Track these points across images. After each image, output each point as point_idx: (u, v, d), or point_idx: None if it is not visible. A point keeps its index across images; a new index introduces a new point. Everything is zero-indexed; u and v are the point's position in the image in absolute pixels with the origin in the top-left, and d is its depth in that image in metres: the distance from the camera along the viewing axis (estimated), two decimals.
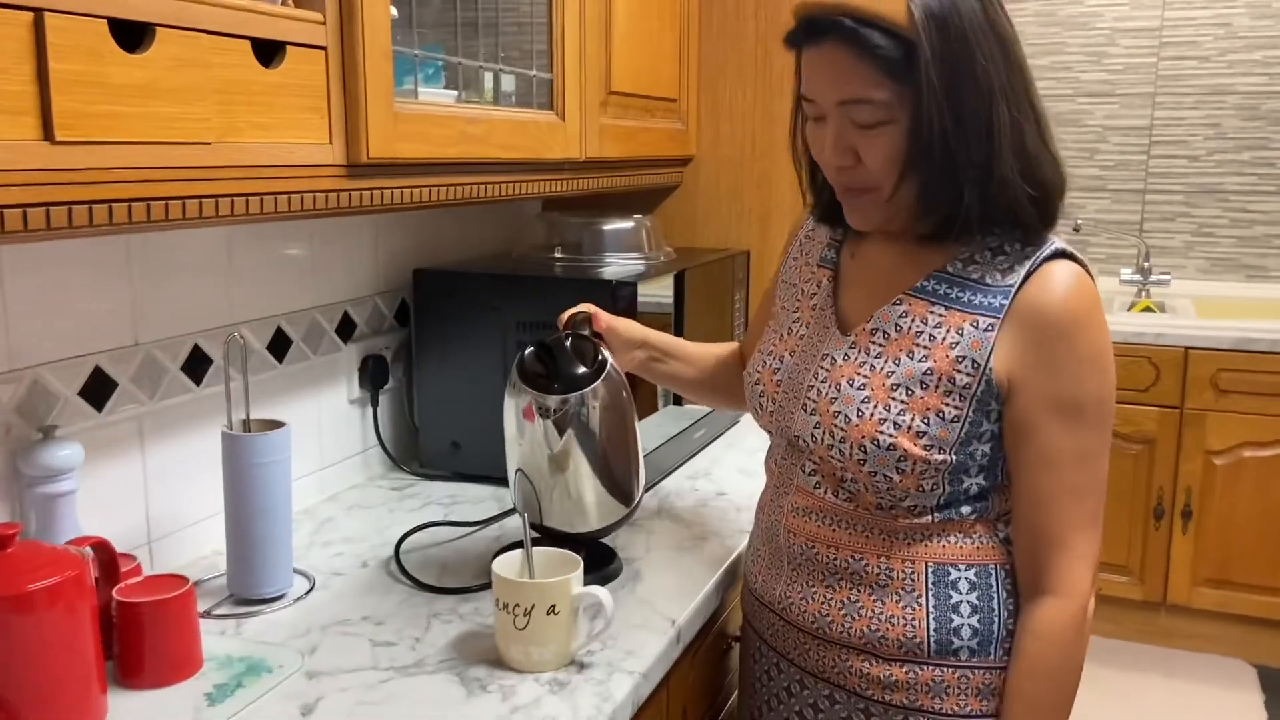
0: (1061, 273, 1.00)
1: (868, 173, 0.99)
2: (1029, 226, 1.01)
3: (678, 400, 1.74)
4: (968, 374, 1.00)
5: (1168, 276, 3.26)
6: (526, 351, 1.20)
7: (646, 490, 1.59)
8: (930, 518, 1.05)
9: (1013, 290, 1.00)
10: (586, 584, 1.13)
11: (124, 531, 1.23)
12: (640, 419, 1.56)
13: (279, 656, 1.08)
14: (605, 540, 1.38)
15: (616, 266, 1.67)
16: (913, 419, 1.01)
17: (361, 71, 1.06)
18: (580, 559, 1.08)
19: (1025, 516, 1.04)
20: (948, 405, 1.01)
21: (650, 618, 1.17)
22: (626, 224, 1.74)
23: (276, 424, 1.20)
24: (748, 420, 2.01)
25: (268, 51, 0.97)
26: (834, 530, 1.08)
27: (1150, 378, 2.87)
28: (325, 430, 1.56)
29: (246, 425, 1.21)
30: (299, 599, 1.22)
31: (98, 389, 1.19)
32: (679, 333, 1.69)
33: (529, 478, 1.21)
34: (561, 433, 1.17)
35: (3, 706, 0.87)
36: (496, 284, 1.59)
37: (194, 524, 1.33)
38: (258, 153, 0.96)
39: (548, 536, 1.23)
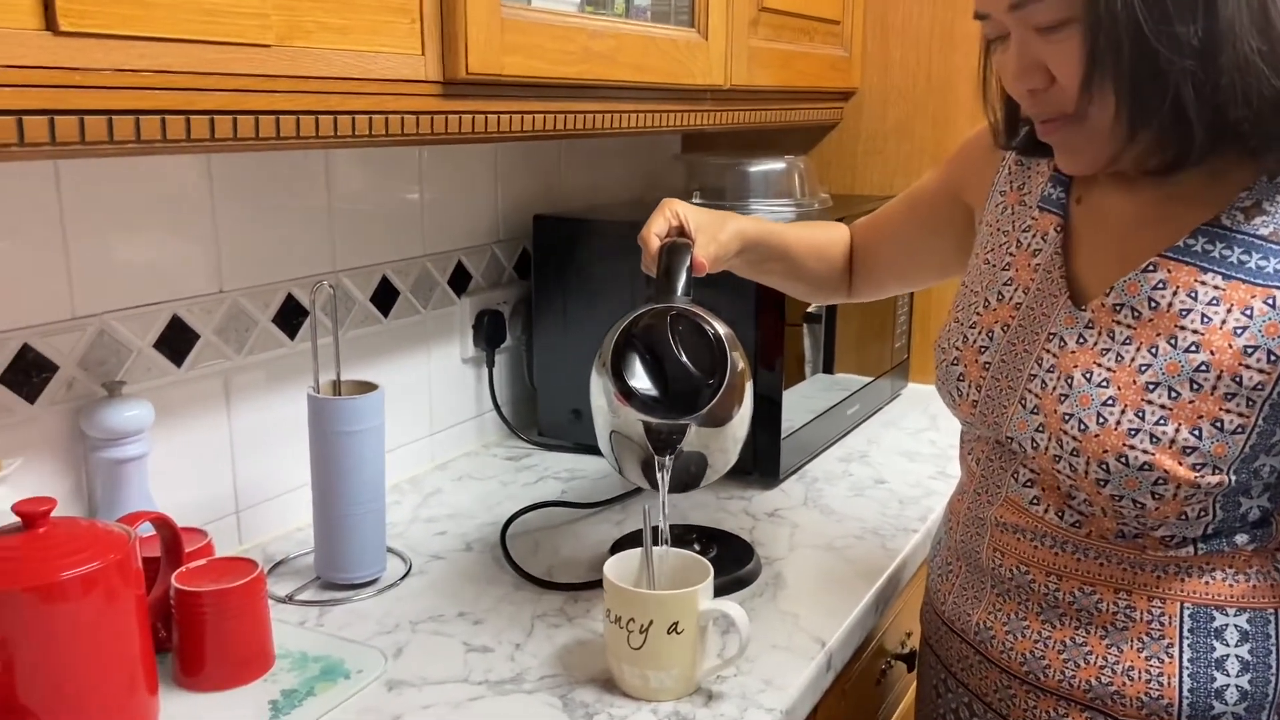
0: None
1: (1065, 94, 0.74)
2: None
3: (828, 368, 1.52)
4: (1260, 370, 0.74)
5: None
6: (619, 333, 0.87)
7: (791, 474, 1.39)
8: (1191, 549, 0.80)
9: None
10: (718, 589, 0.94)
11: (207, 501, 1.11)
12: (785, 388, 1.36)
13: (360, 659, 0.93)
14: (742, 535, 1.18)
15: (763, 213, 1.45)
16: (1178, 430, 0.75)
17: None
18: (710, 567, 0.89)
19: None
20: (1229, 411, 0.75)
21: (794, 636, 0.97)
22: (776, 165, 1.52)
23: (369, 386, 1.05)
24: (909, 394, 1.76)
25: None
26: (1056, 555, 0.85)
27: None
28: (436, 392, 1.41)
29: (336, 387, 1.06)
30: (391, 585, 1.07)
31: (176, 341, 1.06)
32: None
33: (628, 436, 0.92)
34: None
35: (26, 718, 0.74)
36: (624, 232, 1.39)
37: (287, 492, 1.20)
38: (330, 61, 0.79)
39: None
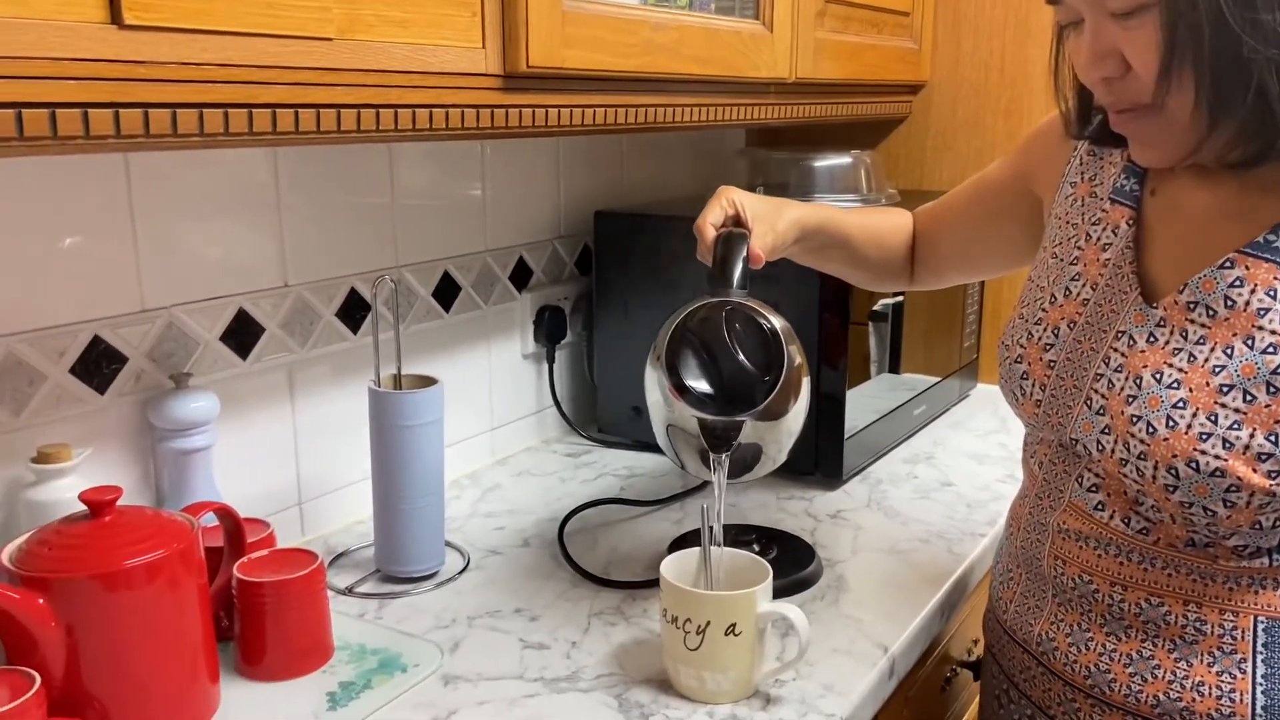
0: None
1: (1140, 82, 0.71)
2: None
3: (894, 367, 1.48)
4: None
5: None
6: (674, 326, 0.86)
7: (854, 475, 1.36)
8: (1266, 560, 0.76)
9: None
10: (777, 591, 0.92)
11: (270, 492, 1.13)
12: (849, 388, 1.33)
13: (417, 652, 0.93)
14: (803, 536, 1.16)
15: None
16: (1253, 436, 0.71)
17: None
18: (769, 569, 0.87)
19: None
20: None
21: (856, 641, 0.95)
22: (842, 159, 1.49)
23: (429, 380, 1.05)
24: (978, 395, 1.72)
25: None
26: (1121, 564, 0.81)
27: None
28: (496, 387, 1.41)
29: (397, 381, 1.06)
30: (450, 580, 1.07)
31: (242, 334, 1.07)
32: (898, 291, 1.42)
33: (685, 429, 0.90)
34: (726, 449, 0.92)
35: (91, 703, 0.75)
36: (686, 228, 1.38)
37: (349, 484, 1.21)
38: (390, 54, 0.79)
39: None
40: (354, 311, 1.19)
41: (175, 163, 0.99)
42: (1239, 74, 0.66)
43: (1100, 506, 0.81)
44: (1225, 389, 0.73)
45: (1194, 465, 0.73)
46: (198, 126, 0.67)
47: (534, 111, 0.94)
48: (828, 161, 1.48)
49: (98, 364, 0.95)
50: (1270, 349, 0.72)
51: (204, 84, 0.66)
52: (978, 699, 1.08)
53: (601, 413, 1.50)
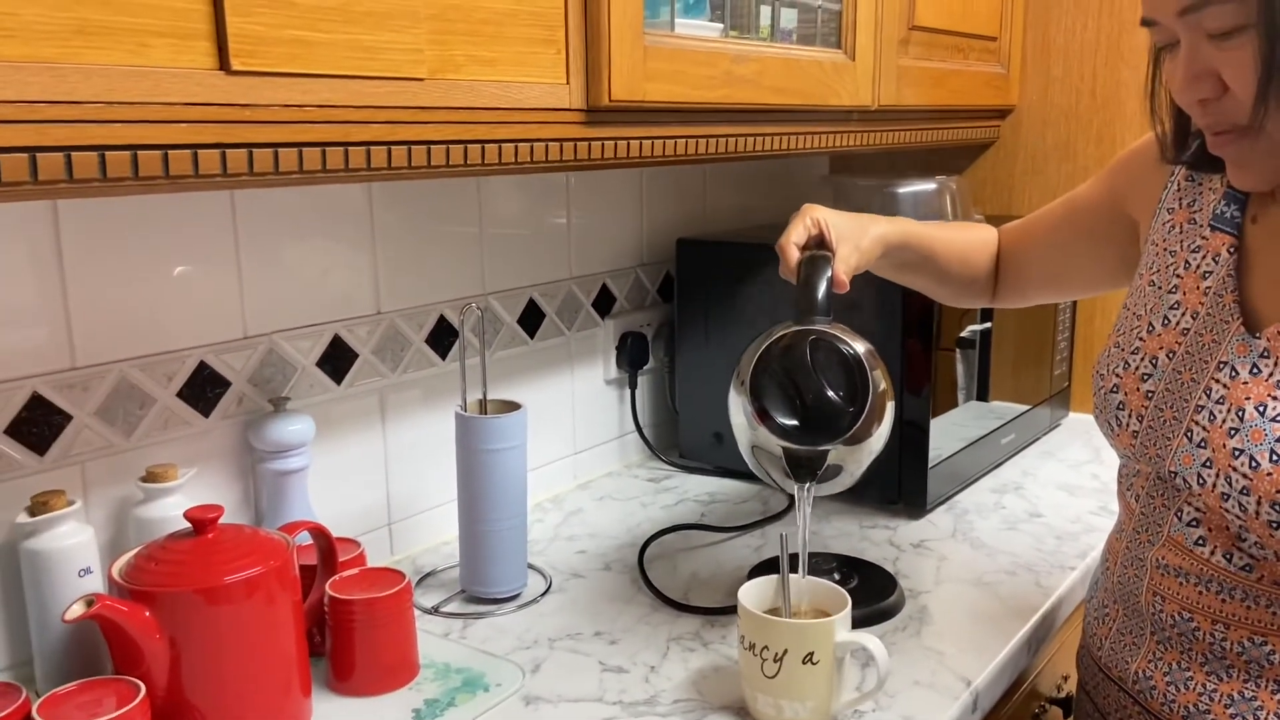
0: None
1: (1237, 103, 0.69)
2: None
3: (981, 395, 1.46)
4: None
5: None
6: (759, 353, 0.86)
7: (940, 503, 1.34)
8: None
9: None
10: (858, 621, 0.91)
11: (362, 512, 1.17)
12: (934, 416, 1.31)
13: (499, 672, 0.95)
14: (885, 566, 1.15)
15: None
16: None
17: None
18: (848, 597, 0.86)
19: None
20: None
21: (938, 674, 0.93)
22: (926, 186, 1.47)
23: (513, 405, 1.08)
24: (1070, 424, 1.67)
25: None
26: (1223, 601, 0.78)
27: None
28: (579, 412, 1.43)
29: (483, 406, 1.09)
30: (532, 601, 1.09)
31: (337, 360, 1.12)
32: (986, 317, 1.40)
33: (769, 450, 0.90)
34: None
35: (192, 712, 0.79)
36: (767, 256, 1.38)
37: (437, 506, 1.25)
38: (480, 93, 0.82)
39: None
40: (443, 338, 1.22)
41: (277, 196, 1.04)
42: None
43: (1201, 542, 0.79)
44: None
45: None
46: (297, 164, 0.71)
47: (616, 144, 0.97)
48: (912, 188, 1.47)
49: (203, 388, 1.00)
50: None
51: (303, 124, 0.70)
52: None
53: (683, 438, 1.51)
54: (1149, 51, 0.81)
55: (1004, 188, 1.72)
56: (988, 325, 1.42)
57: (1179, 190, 0.87)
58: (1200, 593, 0.79)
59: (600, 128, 0.94)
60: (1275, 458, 0.72)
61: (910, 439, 1.29)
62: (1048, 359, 1.61)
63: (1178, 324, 0.82)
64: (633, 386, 1.49)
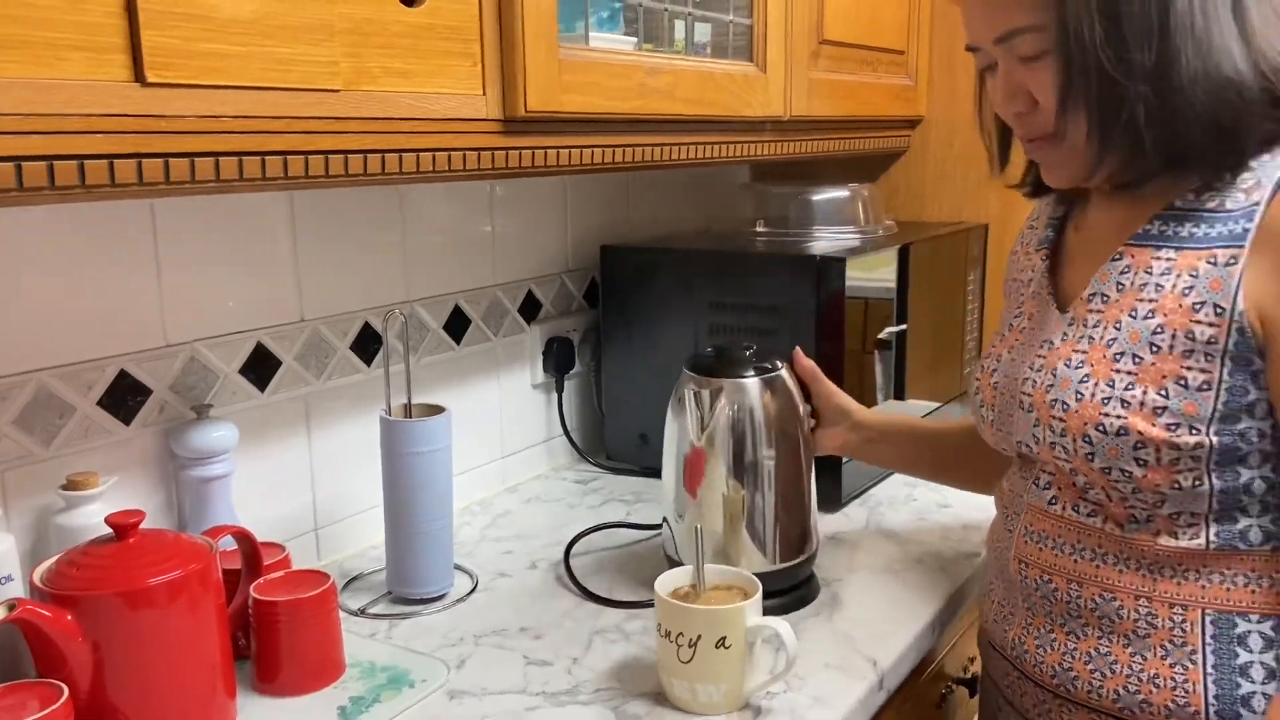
0: None
1: (1045, 115, 0.83)
2: (1256, 135, 0.78)
3: (899, 394, 1.52)
4: (1209, 323, 0.78)
5: None
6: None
7: (853, 498, 1.39)
8: (1204, 539, 0.81)
9: (1260, 208, 0.78)
10: (772, 609, 0.96)
11: (288, 518, 1.18)
12: None
13: (425, 669, 0.97)
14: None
15: (826, 241, 1.47)
16: (1145, 392, 0.80)
17: (520, 10, 0.93)
18: (759, 583, 0.91)
19: None
20: (1190, 369, 0.78)
21: (848, 657, 0.98)
22: (839, 193, 1.53)
23: (438, 409, 1.10)
24: None
25: None
26: (1075, 560, 0.86)
27: None
28: (507, 417, 1.46)
29: (408, 410, 1.11)
30: (458, 600, 1.11)
31: (260, 367, 1.13)
32: (901, 319, 1.46)
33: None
34: (704, 426, 1.03)
35: (115, 715, 0.80)
36: (688, 261, 1.43)
37: (363, 511, 1.26)
38: (396, 103, 0.85)
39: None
40: (368, 345, 1.24)
41: (198, 204, 1.05)
42: (1116, 106, 0.79)
43: (1054, 500, 0.88)
44: (1118, 356, 0.81)
45: (1101, 428, 0.80)
46: (214, 174, 0.72)
47: (534, 153, 1.00)
48: (824, 195, 1.53)
49: (124, 396, 1.01)
50: (1149, 314, 0.81)
51: (220, 134, 0.72)
52: (976, 715, 1.10)
53: (609, 440, 1.55)
54: (975, 73, 0.93)
55: (916, 194, 1.79)
56: (903, 327, 1.48)
57: (1023, 239, 1.02)
58: (1056, 555, 0.87)
59: (517, 137, 0.97)
60: (1079, 396, 0.82)
61: None
62: (958, 359, 1.68)
63: (1018, 327, 0.95)
64: (560, 391, 1.52)
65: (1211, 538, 0.80)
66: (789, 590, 1.08)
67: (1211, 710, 0.80)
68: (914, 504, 1.38)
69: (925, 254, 1.51)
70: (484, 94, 0.93)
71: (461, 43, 0.90)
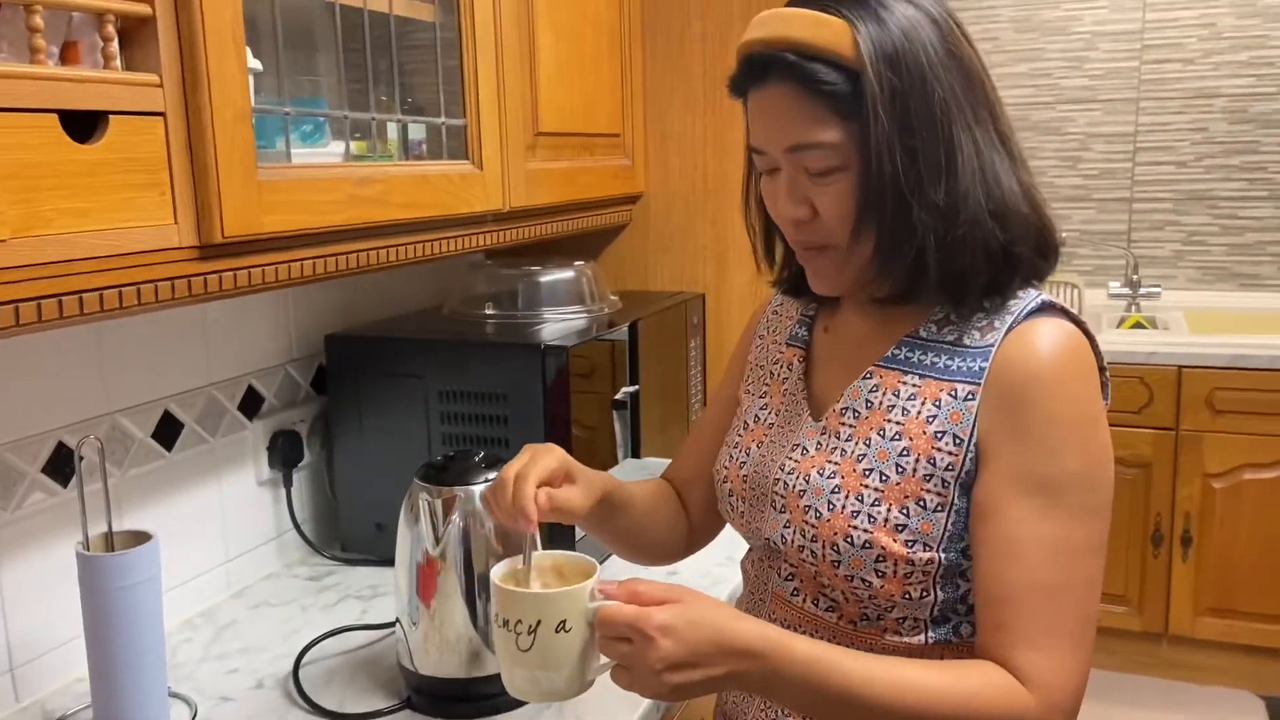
0: (1045, 329, 0.86)
1: (825, 227, 0.87)
2: (1008, 278, 0.88)
3: (635, 452, 1.59)
4: (949, 451, 0.86)
5: (1158, 289, 3.11)
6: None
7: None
8: (923, 637, 0.90)
9: (992, 350, 0.87)
10: None
11: None
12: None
13: None
14: None
15: (553, 324, 1.51)
16: (889, 510, 0.87)
17: (210, 138, 0.91)
18: (596, 564, 0.89)
19: (989, 615, 0.85)
20: (929, 492, 0.86)
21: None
22: (565, 274, 1.59)
23: (143, 536, 1.04)
24: None
25: (85, 124, 0.82)
26: None
27: (1143, 399, 2.72)
28: (230, 518, 1.40)
29: (110, 540, 1.05)
30: None
31: None
32: (634, 380, 1.54)
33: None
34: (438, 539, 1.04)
35: None
36: (413, 349, 1.43)
37: (63, 644, 1.17)
38: (75, 244, 0.81)
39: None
40: (62, 466, 1.15)
41: None
42: (908, 233, 0.84)
43: (796, 593, 0.94)
44: (867, 473, 0.88)
45: (849, 540, 0.87)
46: None
47: (235, 274, 0.98)
48: (550, 276, 1.58)
49: None
50: (896, 436, 0.88)
51: None
52: None
53: (344, 531, 1.52)
54: (746, 165, 0.96)
55: (639, 265, 1.88)
56: (636, 388, 1.55)
57: (767, 321, 1.07)
58: None
59: (215, 261, 0.95)
60: (831, 506, 0.89)
61: None
62: (685, 416, 1.78)
63: (765, 421, 1.00)
64: (288, 485, 1.48)
65: (930, 635, 0.89)
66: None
67: None
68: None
69: (651, 324, 1.59)
70: (176, 223, 0.90)
71: (147, 174, 0.87)
